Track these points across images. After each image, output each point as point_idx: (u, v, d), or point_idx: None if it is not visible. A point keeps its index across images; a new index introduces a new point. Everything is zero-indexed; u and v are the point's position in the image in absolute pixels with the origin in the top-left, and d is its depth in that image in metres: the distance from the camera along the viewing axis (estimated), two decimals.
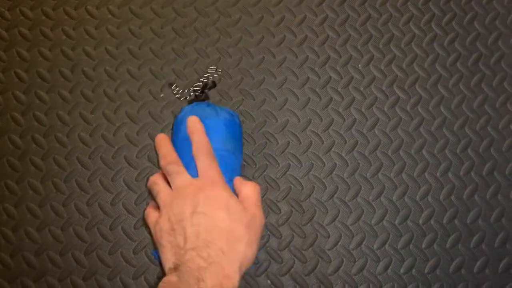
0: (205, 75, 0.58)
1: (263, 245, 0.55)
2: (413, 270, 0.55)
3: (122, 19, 0.60)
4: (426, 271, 0.55)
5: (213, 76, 0.58)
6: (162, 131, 0.57)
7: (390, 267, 0.55)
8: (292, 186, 0.56)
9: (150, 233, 0.51)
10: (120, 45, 0.59)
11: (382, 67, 0.59)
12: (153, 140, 0.56)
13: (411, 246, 0.55)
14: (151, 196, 0.51)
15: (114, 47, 0.59)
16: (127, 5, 0.60)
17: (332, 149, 0.57)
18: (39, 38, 0.59)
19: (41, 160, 0.56)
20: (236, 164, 0.52)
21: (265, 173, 0.56)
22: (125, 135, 0.57)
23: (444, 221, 0.56)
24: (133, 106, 0.58)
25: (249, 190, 0.47)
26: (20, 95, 0.58)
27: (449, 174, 0.57)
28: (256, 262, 0.54)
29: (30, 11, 0.60)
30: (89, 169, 0.56)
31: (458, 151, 0.57)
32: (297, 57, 0.59)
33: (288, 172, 0.56)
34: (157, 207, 0.49)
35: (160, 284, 0.42)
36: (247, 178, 0.56)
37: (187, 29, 0.60)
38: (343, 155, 0.57)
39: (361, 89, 0.59)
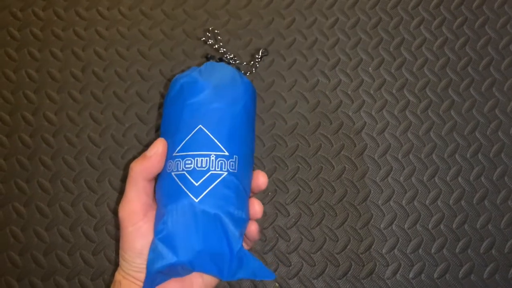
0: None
1: (271, 248, 0.55)
2: (422, 275, 0.54)
3: (132, 21, 0.60)
4: (435, 276, 0.54)
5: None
6: None
7: (399, 271, 0.54)
8: (301, 189, 0.56)
9: None
10: (131, 46, 0.59)
11: (393, 71, 0.59)
12: None
13: (420, 250, 0.55)
14: None
15: (125, 48, 0.59)
16: (138, 6, 0.61)
17: (342, 152, 0.57)
18: (51, 38, 0.60)
19: (51, 159, 0.57)
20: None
21: (274, 175, 0.56)
22: (135, 136, 0.57)
23: (454, 226, 0.56)
24: (143, 107, 0.58)
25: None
26: (30, 95, 0.58)
27: (459, 179, 0.57)
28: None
29: (42, 11, 0.61)
30: (98, 169, 0.56)
31: (468, 155, 0.57)
32: (307, 59, 0.59)
33: (297, 175, 0.56)
34: None
35: None
36: None
37: (197, 31, 0.60)
38: (353, 158, 0.57)
39: (372, 92, 0.59)
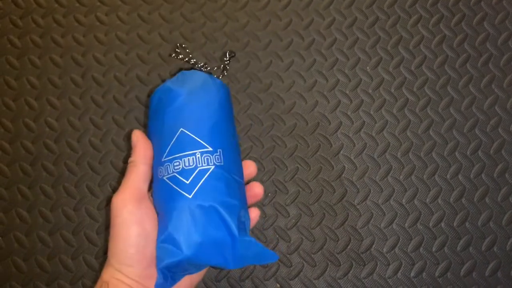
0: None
1: (272, 249, 0.55)
2: (424, 273, 0.54)
3: (131, 25, 0.61)
4: (436, 274, 0.54)
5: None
6: None
7: (400, 270, 0.54)
8: (301, 189, 0.56)
9: None
10: (130, 51, 0.60)
11: (391, 69, 0.59)
12: None
13: (421, 249, 0.55)
14: None
15: (124, 53, 0.60)
16: (136, 11, 0.61)
17: (341, 152, 0.57)
18: (50, 45, 0.60)
19: (53, 165, 0.57)
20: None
21: (273, 176, 0.56)
22: None
23: (455, 223, 0.55)
24: (143, 111, 0.58)
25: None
26: (32, 102, 0.59)
27: (460, 176, 0.56)
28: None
29: (41, 19, 0.61)
30: (100, 173, 0.57)
31: (468, 153, 0.57)
32: (304, 60, 0.59)
33: (296, 176, 0.57)
34: None
35: None
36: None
37: (195, 34, 0.60)
38: (352, 158, 0.57)
39: (370, 91, 0.59)
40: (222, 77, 0.56)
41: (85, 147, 0.58)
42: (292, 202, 0.56)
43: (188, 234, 0.40)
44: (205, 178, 0.42)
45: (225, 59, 0.56)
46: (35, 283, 0.55)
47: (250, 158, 0.56)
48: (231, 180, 0.43)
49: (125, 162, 0.57)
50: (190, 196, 0.41)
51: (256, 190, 0.46)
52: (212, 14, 0.61)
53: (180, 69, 0.51)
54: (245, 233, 0.43)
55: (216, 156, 0.43)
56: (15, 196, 0.57)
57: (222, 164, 0.43)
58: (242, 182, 0.45)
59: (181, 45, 0.57)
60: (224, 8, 0.61)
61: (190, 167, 0.42)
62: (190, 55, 0.53)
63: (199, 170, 0.42)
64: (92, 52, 0.60)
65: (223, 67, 0.54)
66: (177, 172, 0.42)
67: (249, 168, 0.47)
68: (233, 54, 0.56)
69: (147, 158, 0.44)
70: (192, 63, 0.53)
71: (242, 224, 0.43)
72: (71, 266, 0.55)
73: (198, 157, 0.43)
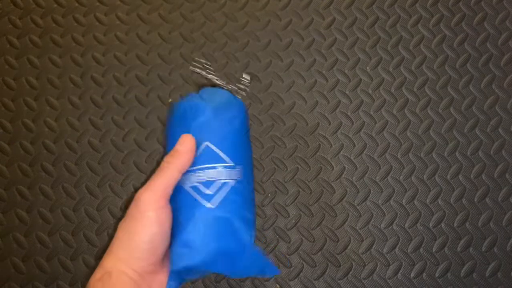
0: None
1: (271, 250, 0.55)
2: (424, 274, 0.54)
3: (130, 25, 0.61)
4: (436, 275, 0.54)
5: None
6: None
7: (400, 271, 0.54)
8: (301, 190, 0.56)
9: None
10: (129, 51, 0.60)
11: (391, 69, 0.59)
12: (162, 145, 0.57)
13: (421, 250, 0.55)
14: None
15: (123, 53, 0.60)
16: (135, 11, 0.61)
17: (341, 153, 0.57)
18: (49, 45, 0.60)
19: (52, 165, 0.57)
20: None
21: (273, 177, 0.56)
22: (134, 140, 0.57)
23: (455, 224, 0.55)
24: (142, 111, 0.58)
25: None
26: (31, 102, 0.59)
27: (460, 177, 0.56)
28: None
29: (40, 19, 0.61)
30: (99, 174, 0.57)
31: (468, 153, 0.57)
32: (304, 60, 0.59)
33: (296, 176, 0.56)
34: None
35: None
36: (255, 182, 0.56)
37: (194, 34, 0.60)
38: (352, 158, 0.57)
39: (370, 91, 0.58)
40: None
41: (84, 147, 0.57)
42: (292, 203, 0.56)
43: (205, 241, 0.43)
44: (226, 191, 0.45)
45: (245, 83, 0.56)
46: (34, 284, 0.54)
47: None
48: (247, 195, 0.47)
49: (124, 162, 0.57)
50: (211, 206, 0.44)
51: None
52: (212, 14, 0.61)
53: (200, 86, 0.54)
54: (255, 245, 0.46)
55: (237, 171, 0.46)
56: (14, 197, 0.56)
57: (241, 179, 0.46)
58: (254, 197, 0.49)
59: (198, 60, 0.57)
60: (224, 8, 0.61)
61: (212, 179, 0.45)
62: (208, 69, 0.54)
63: (221, 183, 0.45)
64: (91, 52, 0.60)
65: (243, 88, 0.54)
66: (199, 183, 0.45)
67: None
68: (249, 81, 0.57)
69: (186, 168, 0.45)
70: (213, 82, 0.54)
71: (253, 236, 0.46)
72: (70, 267, 0.55)
73: (221, 171, 0.46)
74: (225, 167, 0.46)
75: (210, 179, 0.45)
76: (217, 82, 0.53)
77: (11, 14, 0.61)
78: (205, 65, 0.55)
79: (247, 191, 0.47)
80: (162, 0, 0.61)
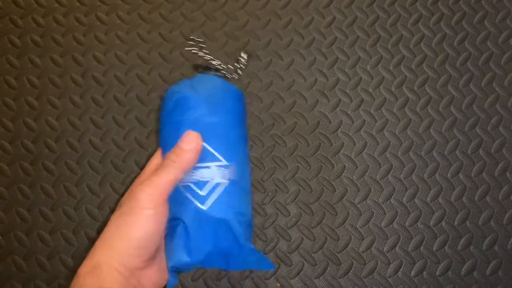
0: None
1: (272, 248, 0.55)
2: (424, 272, 0.54)
3: (131, 25, 0.61)
4: (437, 273, 0.54)
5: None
6: None
7: (401, 269, 0.54)
8: (301, 188, 0.56)
9: None
10: (130, 50, 0.60)
11: (391, 68, 0.59)
12: None
13: (421, 248, 0.55)
14: None
15: (124, 52, 0.60)
16: (136, 10, 0.61)
17: (341, 151, 0.57)
18: (51, 44, 0.61)
19: (53, 164, 0.57)
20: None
21: (273, 175, 0.56)
22: (135, 139, 0.58)
23: (456, 222, 0.55)
24: (143, 110, 0.58)
25: None
26: (32, 101, 0.59)
27: (460, 175, 0.56)
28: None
29: (41, 18, 0.61)
30: (100, 173, 0.57)
31: (469, 152, 0.57)
32: (305, 59, 0.59)
33: (296, 175, 0.56)
34: None
35: None
36: (256, 181, 0.56)
37: (195, 33, 0.60)
38: (352, 157, 0.57)
39: (370, 90, 0.59)
40: (246, 76, 0.55)
41: (85, 146, 0.58)
42: (292, 201, 0.56)
43: (199, 242, 0.43)
44: (219, 191, 0.44)
45: (241, 61, 0.55)
46: (35, 282, 0.55)
47: (250, 157, 0.56)
48: (242, 193, 0.46)
49: (125, 161, 0.57)
50: (204, 208, 0.44)
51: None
52: (212, 13, 0.61)
53: (196, 67, 0.51)
54: (250, 241, 0.46)
55: (231, 170, 0.45)
56: (15, 195, 0.57)
57: (235, 178, 0.45)
58: (250, 192, 0.48)
59: (193, 38, 0.56)
60: (224, 7, 0.61)
61: (205, 179, 0.44)
62: (204, 50, 0.53)
63: (214, 183, 0.44)
64: (92, 52, 0.60)
65: (239, 67, 0.53)
66: (192, 182, 0.44)
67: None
68: (249, 55, 0.55)
69: (191, 168, 0.44)
70: (207, 60, 0.52)
71: (249, 233, 0.46)
72: (71, 266, 0.55)
73: (214, 170, 0.44)
74: (219, 166, 0.45)
75: (204, 179, 0.44)
76: (212, 62, 0.51)
77: (12, 13, 0.62)
78: (201, 45, 0.54)
79: (242, 189, 0.46)
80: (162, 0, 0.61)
